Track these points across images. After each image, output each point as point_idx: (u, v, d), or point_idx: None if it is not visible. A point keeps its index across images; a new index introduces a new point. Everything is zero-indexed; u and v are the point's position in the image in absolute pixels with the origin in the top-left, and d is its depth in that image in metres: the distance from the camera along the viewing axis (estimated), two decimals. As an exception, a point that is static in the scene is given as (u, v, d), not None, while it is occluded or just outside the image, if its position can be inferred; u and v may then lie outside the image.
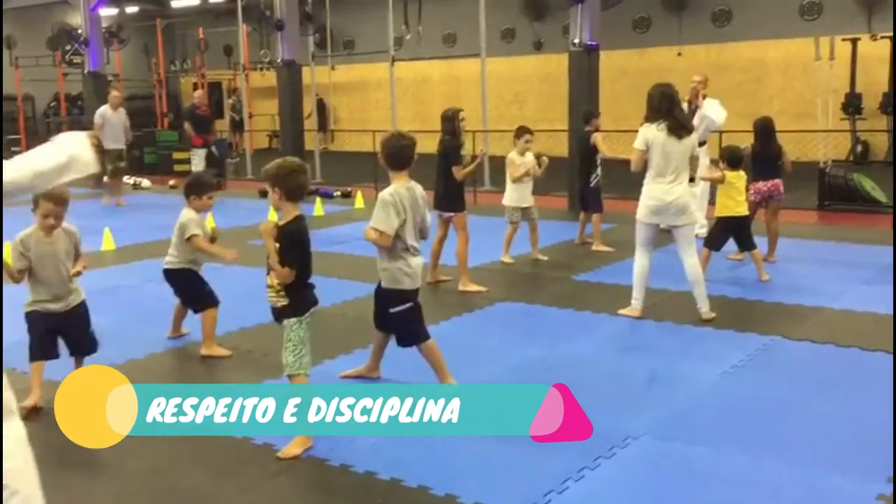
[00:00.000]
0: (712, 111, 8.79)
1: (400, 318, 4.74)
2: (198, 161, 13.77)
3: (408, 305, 4.72)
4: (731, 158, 7.39)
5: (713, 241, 7.39)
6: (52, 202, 4.61)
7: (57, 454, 3.74)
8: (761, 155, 7.93)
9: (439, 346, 4.78)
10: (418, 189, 4.75)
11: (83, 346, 4.97)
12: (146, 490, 3.75)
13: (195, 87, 18.07)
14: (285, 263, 4.05)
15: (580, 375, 5.11)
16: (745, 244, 7.48)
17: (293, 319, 4.15)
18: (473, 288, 7.14)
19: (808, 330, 5.89)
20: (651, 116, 6.04)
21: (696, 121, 8.64)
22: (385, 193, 4.61)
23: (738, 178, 7.34)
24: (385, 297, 4.75)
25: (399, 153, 4.68)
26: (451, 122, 7.23)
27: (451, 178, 7.12)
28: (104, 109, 13.13)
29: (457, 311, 6.58)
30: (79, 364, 5.01)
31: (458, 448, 4.09)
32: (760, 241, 7.62)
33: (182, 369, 5.48)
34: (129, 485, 3.78)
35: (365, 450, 4.07)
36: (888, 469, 3.75)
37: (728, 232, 7.37)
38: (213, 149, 14.01)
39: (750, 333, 5.82)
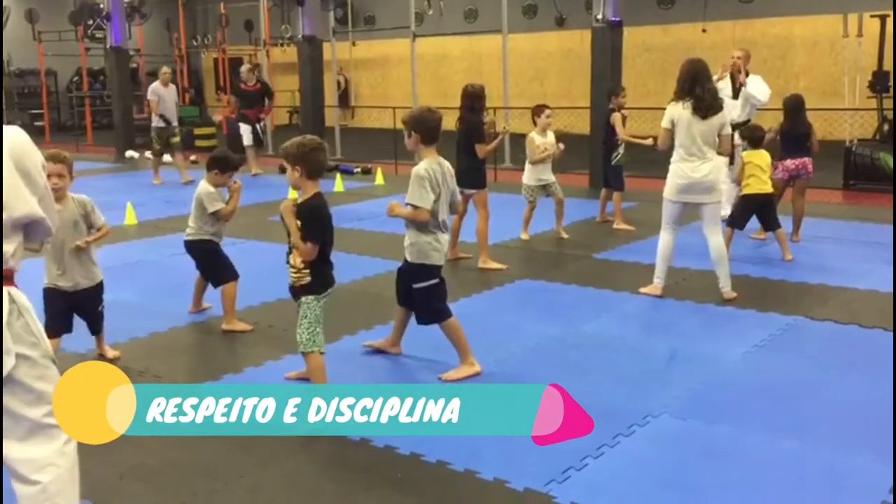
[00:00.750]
0: (756, 89, 8.56)
1: (423, 295, 4.73)
2: (245, 136, 13.52)
3: (433, 282, 4.72)
4: (751, 138, 7.34)
5: (737, 219, 7.33)
6: (52, 160, 4.40)
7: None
8: (790, 133, 7.84)
9: (460, 323, 4.77)
10: (446, 164, 4.75)
11: (95, 325, 5.03)
12: (165, 461, 3.79)
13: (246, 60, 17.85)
14: (307, 240, 4.06)
15: (600, 354, 5.11)
16: (770, 223, 7.41)
17: (310, 297, 4.17)
18: (494, 265, 7.13)
19: (831, 310, 5.84)
20: (678, 94, 5.98)
21: (739, 99, 8.51)
22: (419, 169, 4.61)
23: (760, 156, 7.25)
24: (410, 273, 4.75)
25: (436, 128, 4.68)
26: (479, 99, 7.10)
27: (474, 156, 7.07)
28: (157, 86, 12.94)
29: (476, 288, 6.57)
30: (100, 341, 5.08)
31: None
32: (784, 221, 7.55)
33: (203, 343, 5.52)
34: (148, 456, 3.81)
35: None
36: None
37: (752, 210, 7.31)
38: (259, 126, 13.60)
39: (772, 313, 5.77)
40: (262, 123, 13.70)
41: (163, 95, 12.85)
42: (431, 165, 4.62)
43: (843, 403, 4.33)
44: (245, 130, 13.52)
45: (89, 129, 20.80)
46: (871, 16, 14.52)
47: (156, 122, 12.91)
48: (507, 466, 3.63)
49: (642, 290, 6.30)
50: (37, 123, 21.95)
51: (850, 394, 4.45)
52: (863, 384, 4.57)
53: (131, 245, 8.39)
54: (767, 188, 7.25)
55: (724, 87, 8.67)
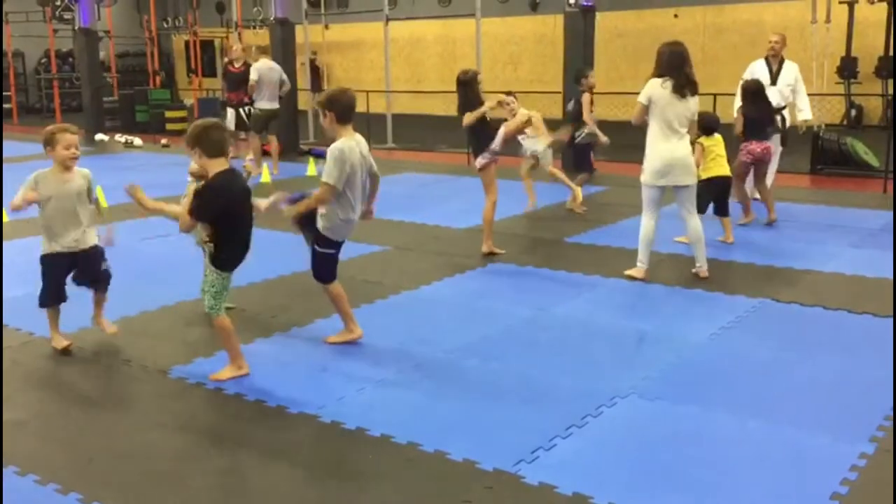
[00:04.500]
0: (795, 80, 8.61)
1: (319, 258, 4.93)
2: (228, 120, 12.79)
3: (330, 252, 4.91)
4: (705, 126, 7.33)
5: (700, 205, 7.32)
6: (71, 132, 4.87)
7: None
8: (752, 117, 7.91)
9: (433, 307, 4.82)
10: (362, 141, 4.88)
11: (98, 283, 5.16)
12: (137, 445, 3.79)
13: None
14: (190, 213, 4.26)
15: (570, 335, 5.17)
16: (723, 210, 7.43)
17: (216, 270, 4.41)
18: (496, 250, 7.10)
19: (796, 293, 5.94)
20: (661, 72, 5.96)
21: (778, 85, 8.43)
22: (335, 147, 4.72)
23: (717, 141, 7.32)
24: (316, 236, 4.89)
25: (350, 107, 4.80)
26: (470, 85, 6.86)
27: (473, 135, 6.96)
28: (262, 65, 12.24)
29: (448, 271, 6.60)
30: (98, 311, 5.20)
31: (447, 406, 4.15)
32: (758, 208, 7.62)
33: (174, 327, 5.48)
34: (119, 440, 3.82)
35: (355, 407, 4.13)
36: (872, 429, 3.82)
37: (714, 193, 7.33)
38: (244, 110, 12.73)
39: (739, 296, 5.86)
40: (246, 108, 13.11)
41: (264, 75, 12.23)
42: (348, 143, 4.74)
43: (809, 384, 4.42)
44: (229, 115, 12.86)
45: (58, 111, 20.54)
46: (840, 2, 14.70)
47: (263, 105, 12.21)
48: (476, 447, 3.67)
49: (627, 272, 6.34)
50: (4, 105, 21.64)
51: (815, 374, 4.54)
52: (827, 365, 4.66)
53: (102, 229, 8.29)
54: (726, 171, 7.33)
55: (761, 72, 8.64)
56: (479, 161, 6.91)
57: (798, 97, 8.63)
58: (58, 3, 19.58)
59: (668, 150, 6.01)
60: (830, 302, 5.70)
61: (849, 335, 5.16)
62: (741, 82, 8.37)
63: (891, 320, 5.24)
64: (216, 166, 4.29)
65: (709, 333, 5.15)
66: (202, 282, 4.49)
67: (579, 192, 8.60)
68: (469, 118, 6.79)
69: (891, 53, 15.40)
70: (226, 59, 13.33)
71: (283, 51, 14.73)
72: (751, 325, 5.32)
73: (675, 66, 5.94)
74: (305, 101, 16.59)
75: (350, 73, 23.54)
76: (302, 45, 16.33)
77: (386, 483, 3.46)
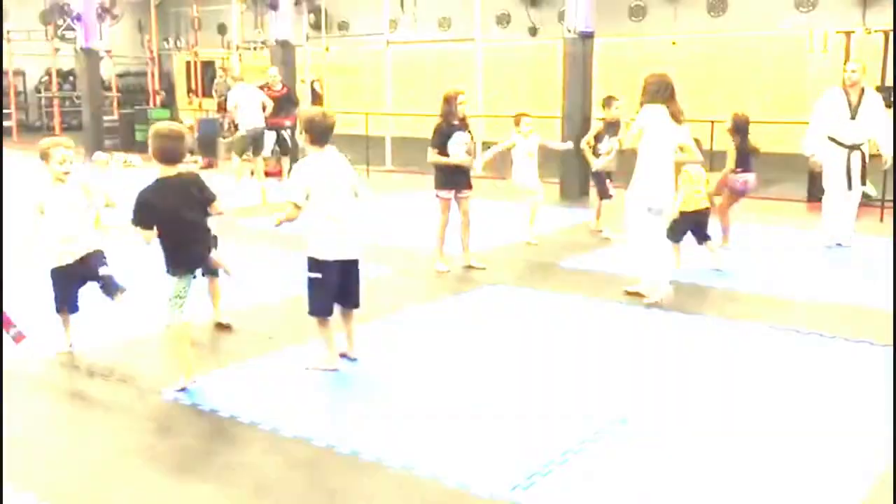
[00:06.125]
0: (883, 115, 7.95)
1: (307, 285, 4.86)
2: (267, 145, 12.69)
3: (313, 276, 4.81)
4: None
5: (675, 233, 7.12)
6: (67, 147, 5.03)
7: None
8: (747, 149, 7.99)
9: (429, 329, 4.82)
10: (335, 156, 4.89)
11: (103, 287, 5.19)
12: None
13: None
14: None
15: (567, 360, 5.15)
16: (702, 236, 7.33)
17: (169, 276, 4.56)
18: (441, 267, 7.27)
19: (794, 320, 5.92)
20: (654, 98, 6.08)
21: (858, 119, 7.90)
22: (298, 163, 4.91)
23: (699, 173, 7.25)
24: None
25: (327, 130, 4.84)
26: (448, 103, 7.10)
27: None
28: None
29: (443, 294, 6.59)
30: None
31: (442, 430, 4.12)
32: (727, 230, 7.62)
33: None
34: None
35: (349, 430, 4.10)
36: (875, 462, 3.80)
37: (689, 224, 7.22)
38: (285, 133, 12.68)
39: (737, 320, 5.85)
40: (288, 130, 12.86)
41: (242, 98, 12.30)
42: (313, 158, 4.83)
43: (807, 412, 4.39)
44: (269, 138, 12.65)
45: (58, 129, 20.57)
46: (837, 31, 14.78)
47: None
48: (471, 472, 3.65)
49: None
50: (4, 123, 21.68)
51: (813, 403, 4.52)
52: (826, 393, 4.64)
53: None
54: (702, 203, 7.24)
55: (840, 103, 7.98)
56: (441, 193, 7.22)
57: (880, 129, 7.91)
58: (60, 22, 19.67)
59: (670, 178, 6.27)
60: (828, 329, 5.68)
61: (846, 363, 5.14)
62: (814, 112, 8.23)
63: (889, 349, 5.23)
64: (162, 172, 4.59)
65: (707, 358, 5.14)
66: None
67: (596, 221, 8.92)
68: (431, 160, 7.13)
69: (888, 83, 15.47)
70: (217, 84, 13.27)
71: (284, 72, 14.79)
72: (748, 352, 5.31)
73: (672, 92, 6.09)
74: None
75: (350, 94, 23.62)
76: (302, 67, 16.41)
77: (379, 508, 3.44)
